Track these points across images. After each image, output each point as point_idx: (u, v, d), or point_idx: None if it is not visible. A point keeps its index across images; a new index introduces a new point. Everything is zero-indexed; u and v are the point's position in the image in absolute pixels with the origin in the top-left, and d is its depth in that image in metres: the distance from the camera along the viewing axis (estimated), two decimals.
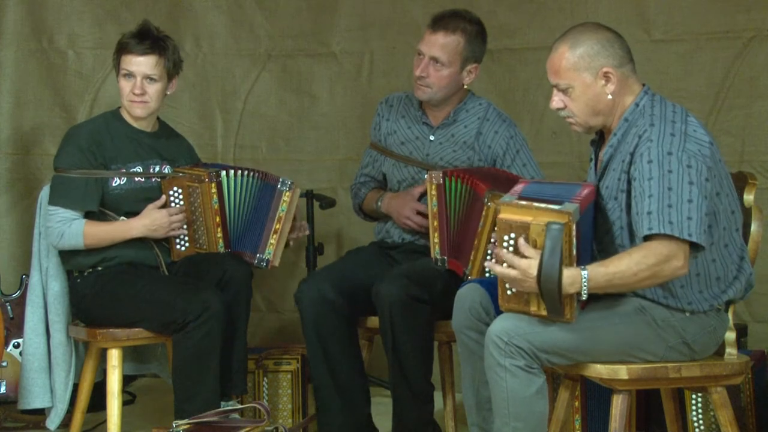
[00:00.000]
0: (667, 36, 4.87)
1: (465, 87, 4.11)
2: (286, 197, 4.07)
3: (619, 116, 3.33)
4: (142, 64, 4.01)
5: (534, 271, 3.11)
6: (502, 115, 4.14)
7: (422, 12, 5.03)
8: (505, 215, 3.18)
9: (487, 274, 3.75)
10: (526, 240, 3.15)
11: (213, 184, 4.03)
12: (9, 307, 4.40)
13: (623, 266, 3.14)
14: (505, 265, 3.17)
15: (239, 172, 4.10)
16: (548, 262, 3.09)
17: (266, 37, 5.24)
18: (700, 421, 3.98)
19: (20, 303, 4.33)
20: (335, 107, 5.22)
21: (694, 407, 3.98)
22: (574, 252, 3.14)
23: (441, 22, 4.02)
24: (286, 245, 4.14)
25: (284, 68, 5.24)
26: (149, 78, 4.02)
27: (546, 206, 3.15)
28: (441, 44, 4.01)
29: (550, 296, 3.12)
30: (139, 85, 4.01)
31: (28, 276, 4.23)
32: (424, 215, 4.00)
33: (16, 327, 4.35)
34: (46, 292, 4.14)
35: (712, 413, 3.93)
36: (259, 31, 5.24)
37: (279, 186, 4.08)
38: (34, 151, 5.13)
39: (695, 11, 4.83)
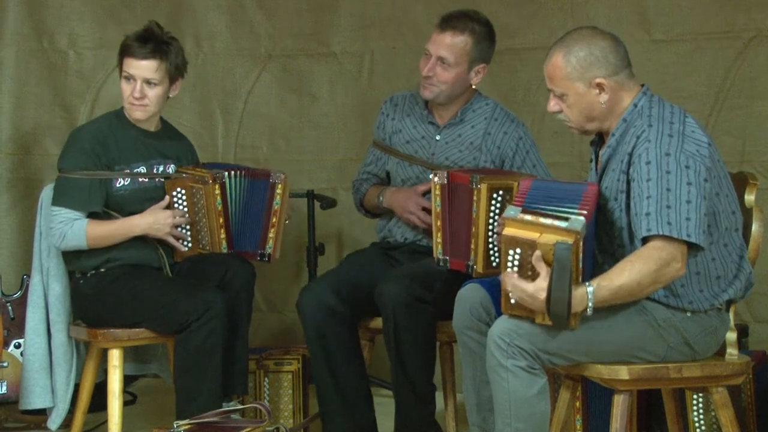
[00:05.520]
0: (667, 36, 4.87)
1: (473, 87, 4.12)
2: (279, 190, 4.10)
3: (617, 117, 3.33)
4: (142, 68, 4.00)
5: (542, 295, 3.09)
6: (510, 115, 4.14)
7: (423, 12, 5.03)
8: (510, 231, 3.13)
9: (492, 261, 3.73)
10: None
11: (217, 186, 4.04)
12: (10, 308, 4.40)
13: (626, 278, 3.13)
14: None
15: (237, 173, 4.10)
16: (557, 284, 3.06)
17: (267, 37, 5.24)
18: (701, 422, 3.99)
19: (21, 303, 4.33)
20: (336, 107, 5.22)
21: (695, 407, 3.98)
22: (581, 266, 3.13)
23: (449, 22, 4.02)
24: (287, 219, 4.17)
25: (285, 68, 5.24)
26: (149, 82, 4.01)
27: (552, 222, 3.10)
28: (448, 44, 4.01)
29: (558, 315, 3.10)
30: (139, 89, 4.01)
31: (29, 276, 4.23)
32: (428, 210, 4.00)
33: (17, 327, 4.35)
34: (47, 292, 4.14)
35: (713, 413, 3.94)
36: (260, 31, 5.24)
37: (271, 180, 4.10)
38: (34, 152, 5.13)
39: (695, 11, 4.83)
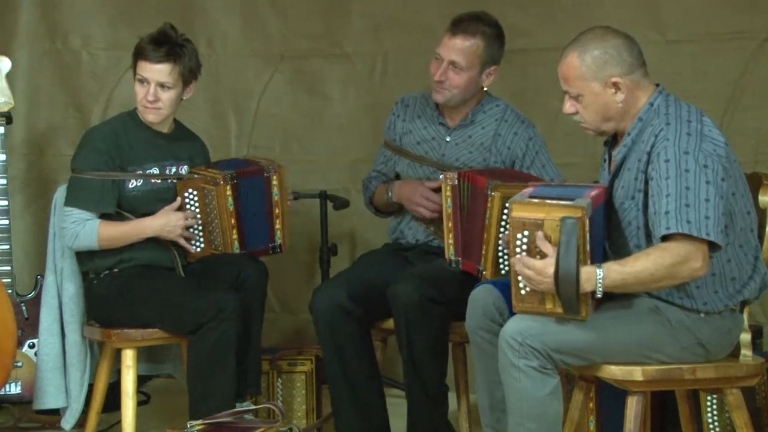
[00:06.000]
0: (680, 37, 4.87)
1: (484, 89, 4.12)
2: (275, 181, 4.11)
3: (633, 117, 3.33)
4: (155, 71, 4.01)
5: (550, 270, 3.11)
6: (521, 116, 4.14)
7: (435, 12, 5.03)
8: (517, 213, 3.17)
9: (500, 268, 3.73)
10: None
11: (228, 187, 4.04)
12: (24, 308, 4.41)
13: (639, 266, 3.14)
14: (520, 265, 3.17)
15: (233, 174, 4.08)
16: (564, 257, 3.08)
17: (279, 37, 5.24)
18: (716, 423, 3.98)
19: (35, 303, 4.34)
20: (348, 108, 5.22)
21: (709, 409, 3.98)
22: (588, 248, 3.14)
23: (460, 25, 4.02)
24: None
25: (297, 69, 5.24)
26: (163, 85, 4.02)
27: (558, 202, 3.14)
28: (460, 48, 4.01)
29: (567, 293, 3.11)
30: (153, 92, 4.01)
31: (42, 276, 4.25)
32: (435, 201, 4.00)
33: (31, 327, 4.36)
34: (61, 292, 4.16)
35: (727, 415, 3.93)
36: (272, 31, 5.24)
37: (265, 174, 4.11)
38: (48, 152, 5.14)
39: (709, 12, 4.83)
